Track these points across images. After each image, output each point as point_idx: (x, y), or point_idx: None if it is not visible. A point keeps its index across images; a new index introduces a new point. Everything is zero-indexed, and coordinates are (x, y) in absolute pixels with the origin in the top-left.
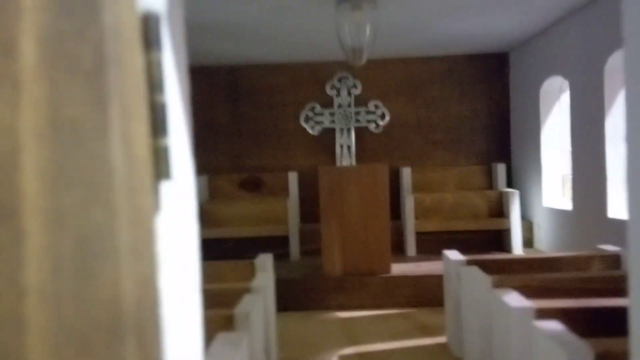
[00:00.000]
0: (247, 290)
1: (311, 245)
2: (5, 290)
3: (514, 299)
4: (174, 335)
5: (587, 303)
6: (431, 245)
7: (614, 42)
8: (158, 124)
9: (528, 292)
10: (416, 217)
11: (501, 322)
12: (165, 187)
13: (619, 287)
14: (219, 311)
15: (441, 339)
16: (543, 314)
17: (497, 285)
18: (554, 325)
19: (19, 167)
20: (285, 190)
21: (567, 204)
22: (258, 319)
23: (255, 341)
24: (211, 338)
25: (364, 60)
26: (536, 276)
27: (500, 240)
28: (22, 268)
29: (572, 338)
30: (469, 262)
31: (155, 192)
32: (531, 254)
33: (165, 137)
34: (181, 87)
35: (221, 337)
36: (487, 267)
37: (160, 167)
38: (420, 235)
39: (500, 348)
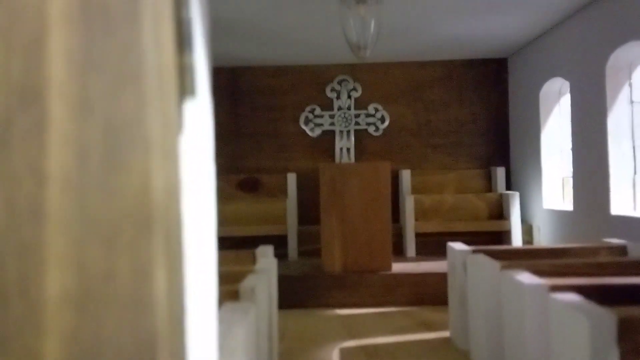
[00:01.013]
0: (251, 272)
1: (309, 246)
2: (25, 177)
3: (526, 277)
4: (190, 265)
5: (601, 281)
6: (430, 247)
7: (616, 39)
8: (184, 40)
9: (539, 274)
10: (416, 218)
11: (513, 302)
12: (187, 107)
13: (628, 272)
14: (224, 287)
15: (444, 334)
16: (557, 289)
17: (506, 268)
18: (571, 297)
19: (46, 51)
20: (283, 191)
21: (567, 206)
22: (263, 296)
23: (261, 318)
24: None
25: (368, 54)
26: (546, 261)
27: (501, 242)
28: (44, 155)
29: (593, 306)
30: (475, 252)
31: (180, 108)
32: (538, 246)
33: (191, 53)
34: (201, 5)
35: (228, 306)
36: (494, 256)
37: (185, 84)
38: (419, 237)
39: (512, 330)
